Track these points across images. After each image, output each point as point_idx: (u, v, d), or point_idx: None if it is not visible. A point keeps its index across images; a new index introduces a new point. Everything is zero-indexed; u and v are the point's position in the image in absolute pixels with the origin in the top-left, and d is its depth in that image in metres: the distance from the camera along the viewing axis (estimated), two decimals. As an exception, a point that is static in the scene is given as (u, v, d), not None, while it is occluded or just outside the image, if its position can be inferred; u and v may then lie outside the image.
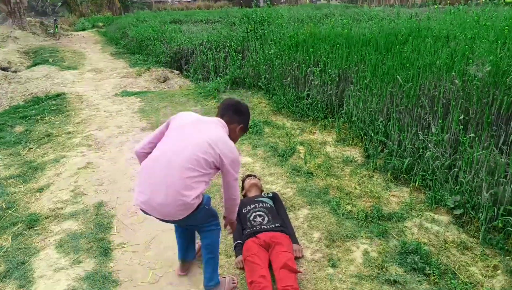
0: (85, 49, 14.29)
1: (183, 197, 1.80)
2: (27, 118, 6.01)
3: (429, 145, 3.29)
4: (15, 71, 11.71)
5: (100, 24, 22.98)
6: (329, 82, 5.08)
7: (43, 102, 7.05)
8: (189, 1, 40.16)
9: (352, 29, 8.03)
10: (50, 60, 12.40)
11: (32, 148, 4.74)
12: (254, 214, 2.59)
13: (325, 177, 3.47)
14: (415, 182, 3.20)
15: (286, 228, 2.51)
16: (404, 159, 3.40)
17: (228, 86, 6.81)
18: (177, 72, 8.99)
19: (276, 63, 6.04)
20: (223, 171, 1.93)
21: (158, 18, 16.89)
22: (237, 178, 1.98)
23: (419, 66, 4.18)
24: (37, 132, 5.31)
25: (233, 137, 2.08)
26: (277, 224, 2.49)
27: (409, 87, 3.80)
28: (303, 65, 5.45)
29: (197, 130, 1.95)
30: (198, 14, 22.14)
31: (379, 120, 3.95)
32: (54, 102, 7.03)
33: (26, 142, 4.92)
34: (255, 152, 4.12)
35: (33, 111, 6.41)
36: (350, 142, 4.24)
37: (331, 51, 5.57)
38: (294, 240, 2.49)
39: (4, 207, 3.27)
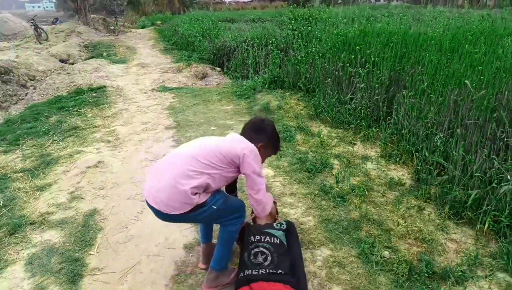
0: (138, 45, 14.61)
1: (177, 183, 1.73)
2: (64, 109, 5.96)
3: (507, 174, 2.43)
4: (72, 63, 12.23)
5: (159, 22, 23.68)
6: (377, 85, 4.29)
7: (84, 94, 7.04)
8: (245, 2, 40.35)
9: (412, 27, 7.04)
10: (105, 54, 12.79)
11: (56, 140, 4.56)
12: (256, 250, 1.99)
13: (359, 204, 2.75)
14: (484, 224, 2.37)
15: (293, 276, 1.88)
16: (469, 191, 2.57)
17: (266, 86, 6.23)
18: (218, 69, 8.64)
19: (318, 62, 5.35)
20: (241, 162, 1.85)
21: (212, 17, 16.86)
22: (258, 172, 1.88)
23: (496, 70, 3.28)
24: (67, 124, 5.18)
25: None
26: (280, 271, 1.86)
27: (481, 96, 2.93)
28: (348, 65, 4.70)
29: (216, 138, 2.02)
30: (251, 13, 21.96)
31: (437, 136, 3.12)
32: (94, 94, 6.99)
33: (53, 134, 4.77)
34: (278, 163, 3.49)
35: (72, 102, 6.38)
36: (398, 159, 3.45)
37: (383, 50, 4.76)
38: None
39: (1, 204, 3.02)
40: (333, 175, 3.21)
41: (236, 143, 1.89)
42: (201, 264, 2.20)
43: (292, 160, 3.53)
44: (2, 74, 8.96)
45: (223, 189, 2.11)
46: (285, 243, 2.07)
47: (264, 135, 2.03)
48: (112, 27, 19.10)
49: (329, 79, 5.02)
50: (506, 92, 2.94)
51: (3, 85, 8.70)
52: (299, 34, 7.03)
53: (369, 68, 4.49)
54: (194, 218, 1.89)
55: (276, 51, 6.80)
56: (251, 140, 1.95)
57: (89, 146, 4.25)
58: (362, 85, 4.42)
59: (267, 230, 2.12)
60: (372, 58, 4.47)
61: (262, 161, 2.01)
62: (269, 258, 1.93)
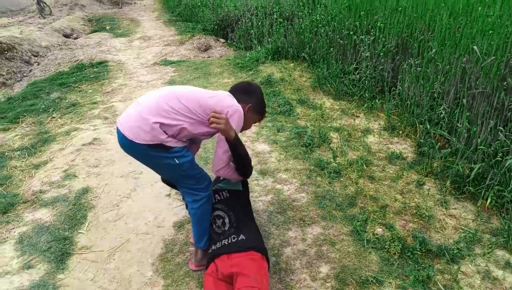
0: (142, 17, 14.30)
1: (149, 115, 1.65)
2: (65, 85, 5.91)
3: (513, 147, 2.28)
4: (76, 38, 12.09)
5: (163, -8, 23.02)
6: (383, 53, 4.06)
7: (85, 69, 6.96)
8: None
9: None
10: (108, 27, 12.56)
11: (54, 117, 4.54)
12: (214, 214, 1.93)
13: (356, 179, 2.65)
14: (487, 200, 2.25)
15: (254, 235, 1.81)
16: (473, 164, 2.42)
17: (269, 57, 6.01)
18: (222, 40, 8.38)
19: (322, 30, 5.09)
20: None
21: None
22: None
23: (508, 35, 3.02)
24: (66, 101, 5.14)
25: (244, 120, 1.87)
26: (242, 235, 1.77)
27: (490, 62, 2.72)
28: (351, 32, 4.45)
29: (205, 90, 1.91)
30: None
31: (442, 106, 2.94)
32: (95, 69, 6.90)
33: (52, 111, 4.75)
34: (275, 138, 3.38)
35: (73, 78, 6.32)
36: (401, 132, 3.29)
37: (391, 15, 4.47)
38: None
39: (-3, 183, 3.03)
40: (332, 149, 3.09)
41: (224, 99, 1.80)
42: (191, 238, 2.15)
43: (290, 135, 3.40)
44: (5, 51, 8.89)
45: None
46: (234, 188, 2.02)
47: (253, 96, 1.93)
48: (115, -1, 18.67)
49: (334, 48, 4.79)
50: (519, 58, 2.72)
51: (7, 62, 8.65)
52: (305, 1, 6.68)
53: (375, 36, 4.24)
54: (153, 162, 1.78)
55: (280, 20, 6.51)
56: (239, 101, 1.85)
57: (86, 123, 4.20)
58: (366, 54, 4.20)
59: (213, 188, 2.04)
60: (378, 24, 4.20)
61: (248, 127, 1.96)
62: (227, 220, 1.87)
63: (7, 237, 2.33)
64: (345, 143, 3.21)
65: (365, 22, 4.58)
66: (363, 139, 3.28)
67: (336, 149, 3.05)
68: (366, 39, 4.17)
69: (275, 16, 6.94)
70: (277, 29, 6.34)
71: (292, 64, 5.69)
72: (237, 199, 1.99)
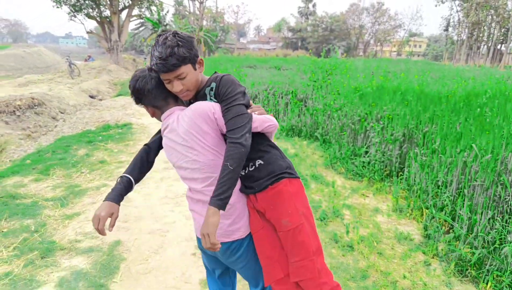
0: (164, 85, 15.45)
1: None
2: (92, 143, 6.37)
3: (508, 236, 2.55)
4: (101, 99, 13.03)
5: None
6: (391, 141, 4.52)
7: (111, 129, 7.54)
8: (268, 49, 42.23)
9: (428, 85, 7.40)
10: (132, 92, 13.58)
11: (83, 173, 4.89)
12: None
13: (368, 255, 2.88)
14: (487, 284, 2.46)
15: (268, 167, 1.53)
16: (474, 250, 2.68)
17: (284, 133, 6.56)
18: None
19: (336, 115, 5.66)
20: (217, 118, 1.48)
21: (235, 62, 17.78)
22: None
23: (504, 135, 3.48)
24: (94, 157, 5.54)
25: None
26: (259, 161, 1.53)
27: (487, 159, 3.12)
28: (363, 120, 4.99)
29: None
30: (274, 60, 23.02)
31: (446, 194, 3.27)
32: (120, 130, 7.46)
33: (81, 166, 5.12)
34: (292, 210, 3.67)
35: (99, 137, 6.82)
36: (408, 214, 3.59)
37: (398, 107, 5.05)
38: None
39: (33, 229, 3.27)
40: (344, 225, 3.36)
41: (195, 115, 1.44)
42: None
43: (305, 207, 3.70)
44: (35, 106, 9.64)
45: None
46: None
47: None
48: (140, 67, 20.28)
49: (346, 132, 5.29)
50: (511, 157, 3.12)
51: (35, 116, 9.36)
52: (320, 86, 7.44)
53: (384, 124, 4.75)
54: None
55: (295, 101, 7.19)
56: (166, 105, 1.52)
57: (115, 180, 4.54)
58: (376, 140, 4.66)
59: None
60: (387, 115, 4.74)
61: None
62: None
63: (46, 280, 2.53)
64: (356, 220, 3.49)
65: (375, 111, 5.15)
66: (373, 218, 3.56)
67: (349, 225, 3.32)
68: (376, 126, 4.67)
69: (291, 97, 7.67)
70: (293, 109, 6.98)
71: (305, 142, 6.19)
72: None
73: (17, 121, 8.94)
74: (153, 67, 1.42)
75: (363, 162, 4.67)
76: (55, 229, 3.31)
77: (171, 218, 3.56)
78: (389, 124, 4.75)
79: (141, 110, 9.91)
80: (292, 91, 7.82)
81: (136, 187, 4.32)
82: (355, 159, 4.80)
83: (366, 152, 4.82)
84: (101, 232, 1.49)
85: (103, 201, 1.54)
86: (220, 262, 1.67)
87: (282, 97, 8.06)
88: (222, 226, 1.49)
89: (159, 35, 1.43)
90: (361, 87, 6.63)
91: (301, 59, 25.98)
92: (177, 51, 1.36)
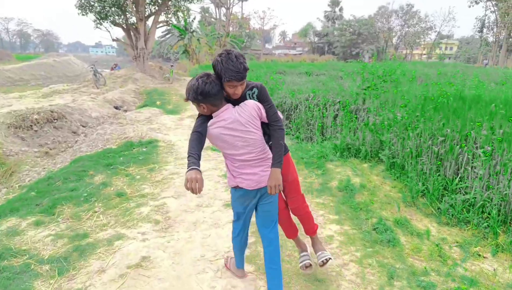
0: (191, 93, 14.59)
1: None
2: (111, 166, 5.41)
3: None
4: (125, 111, 12.25)
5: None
6: (503, 173, 3.23)
7: (134, 148, 6.56)
8: (295, 54, 41.15)
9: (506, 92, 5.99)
10: (158, 102, 12.75)
11: (96, 212, 3.88)
12: None
13: None
14: None
15: None
16: None
17: (338, 154, 5.34)
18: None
19: (411, 134, 4.40)
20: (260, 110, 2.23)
21: (264, 68, 16.75)
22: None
23: None
24: (111, 188, 4.56)
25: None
26: None
27: None
28: (452, 141, 3.71)
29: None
30: (302, 66, 21.77)
31: None
32: (144, 149, 6.49)
33: (94, 201, 4.13)
34: (391, 289, 2.45)
35: (121, 159, 5.87)
36: None
37: (503, 123, 3.74)
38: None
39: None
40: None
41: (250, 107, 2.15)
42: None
43: (410, 284, 2.46)
44: (55, 120, 8.86)
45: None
46: None
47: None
48: (167, 75, 19.61)
49: (426, 156, 4.03)
50: None
51: (54, 131, 8.56)
52: (377, 96, 6.17)
53: (491, 149, 3.46)
54: None
55: (348, 114, 5.97)
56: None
57: (133, 227, 3.49)
58: (481, 172, 3.38)
59: None
60: (498, 138, 3.44)
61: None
62: None
63: None
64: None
65: (469, 130, 3.86)
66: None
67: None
68: (483, 154, 3.39)
69: (342, 108, 6.44)
70: (346, 123, 5.76)
71: (365, 165, 4.95)
72: None
73: (34, 136, 8.20)
74: (229, 78, 2.02)
75: (464, 201, 3.39)
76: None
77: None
78: (499, 147, 3.46)
79: (167, 123, 8.97)
80: (343, 102, 6.59)
81: (162, 239, 3.23)
82: (449, 195, 3.53)
83: (466, 188, 3.54)
84: (200, 191, 1.82)
85: (189, 170, 1.86)
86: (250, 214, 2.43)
87: (327, 108, 6.85)
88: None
89: (227, 53, 2.06)
90: (432, 98, 5.33)
91: (330, 64, 24.62)
92: (246, 66, 2.06)
